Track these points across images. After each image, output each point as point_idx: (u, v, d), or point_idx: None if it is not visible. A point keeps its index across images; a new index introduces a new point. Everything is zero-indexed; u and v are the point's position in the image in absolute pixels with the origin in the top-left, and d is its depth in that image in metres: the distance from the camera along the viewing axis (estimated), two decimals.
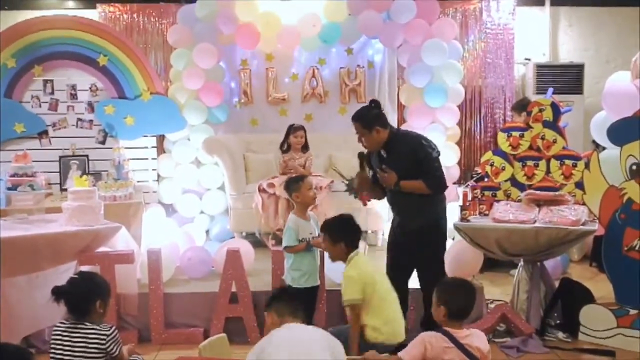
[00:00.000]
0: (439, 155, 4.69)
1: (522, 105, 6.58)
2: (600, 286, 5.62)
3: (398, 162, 4.58)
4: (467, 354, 3.35)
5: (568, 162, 5.45)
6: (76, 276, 3.70)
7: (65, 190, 6.03)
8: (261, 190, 6.65)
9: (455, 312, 3.46)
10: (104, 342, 3.44)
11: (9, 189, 5.90)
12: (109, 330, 3.49)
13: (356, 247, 4.30)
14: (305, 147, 7.00)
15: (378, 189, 4.87)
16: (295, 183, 4.84)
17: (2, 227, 4.92)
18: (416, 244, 4.64)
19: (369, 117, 4.63)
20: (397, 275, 4.71)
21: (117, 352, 3.50)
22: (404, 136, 4.77)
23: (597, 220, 5.05)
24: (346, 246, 4.26)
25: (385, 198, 4.94)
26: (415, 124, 7.49)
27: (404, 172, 4.55)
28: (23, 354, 2.91)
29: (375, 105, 4.72)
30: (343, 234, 4.29)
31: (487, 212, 5.34)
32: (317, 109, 8.00)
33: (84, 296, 3.53)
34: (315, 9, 7.42)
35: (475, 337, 3.46)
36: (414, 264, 4.74)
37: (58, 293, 3.53)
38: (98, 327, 3.48)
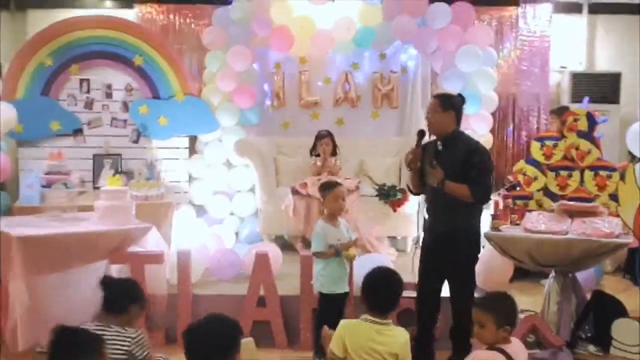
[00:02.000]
0: (492, 169, 4.67)
1: (562, 111, 6.50)
2: (634, 299, 5.52)
3: (452, 158, 4.48)
4: None
5: (602, 173, 5.38)
6: (128, 277, 3.81)
7: (99, 188, 6.09)
8: (294, 192, 6.64)
9: (515, 323, 3.44)
10: (128, 344, 3.46)
11: (43, 186, 5.98)
12: (134, 333, 3.52)
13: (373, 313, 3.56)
14: (334, 151, 7.00)
15: (419, 181, 4.74)
16: (324, 190, 4.84)
17: (35, 224, 4.98)
18: (445, 248, 4.54)
19: (451, 100, 4.62)
20: (427, 281, 4.69)
21: (142, 356, 3.51)
22: (466, 137, 4.70)
23: (631, 233, 4.96)
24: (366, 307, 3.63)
25: (424, 197, 4.82)
26: None
27: (453, 171, 4.45)
28: (95, 339, 2.91)
29: (461, 99, 4.68)
30: (366, 293, 3.64)
31: (518, 221, 5.28)
32: (348, 114, 7.99)
33: (129, 295, 3.63)
34: (350, 13, 7.42)
35: (519, 346, 3.41)
36: (444, 270, 4.64)
37: (106, 285, 3.62)
38: (123, 330, 3.50)
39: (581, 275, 5.75)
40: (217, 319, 2.97)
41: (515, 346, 3.37)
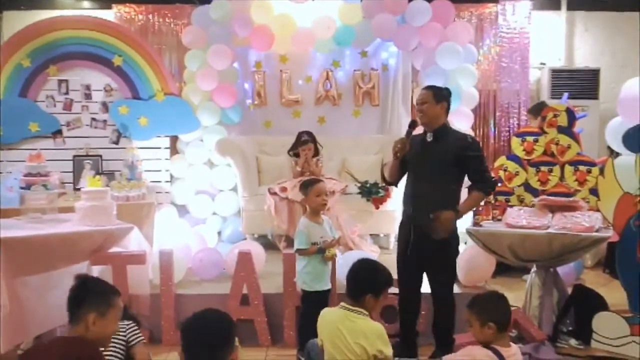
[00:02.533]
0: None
1: (538, 109, 6.53)
2: (614, 293, 5.56)
3: (443, 150, 4.46)
4: None
5: (582, 168, 5.42)
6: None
7: (79, 189, 6.05)
8: (272, 193, 6.64)
9: (505, 326, 3.44)
10: (124, 333, 3.55)
11: (22, 188, 5.91)
12: (126, 325, 3.62)
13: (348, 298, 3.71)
14: (315, 153, 7.01)
15: (399, 171, 4.73)
16: (304, 188, 4.84)
17: (15, 226, 4.93)
18: (426, 241, 4.46)
19: (443, 91, 4.61)
20: (407, 275, 4.66)
21: (138, 341, 3.61)
22: (456, 131, 4.72)
23: (611, 227, 5.00)
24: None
25: (404, 189, 4.73)
26: None
27: (444, 163, 4.44)
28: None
29: (449, 92, 4.67)
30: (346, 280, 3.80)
31: (500, 217, 5.31)
32: (330, 112, 8.01)
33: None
34: (329, 11, 7.43)
35: (519, 356, 3.43)
36: (424, 264, 4.59)
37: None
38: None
39: (562, 270, 5.80)
40: (215, 314, 3.00)
41: (514, 352, 3.42)
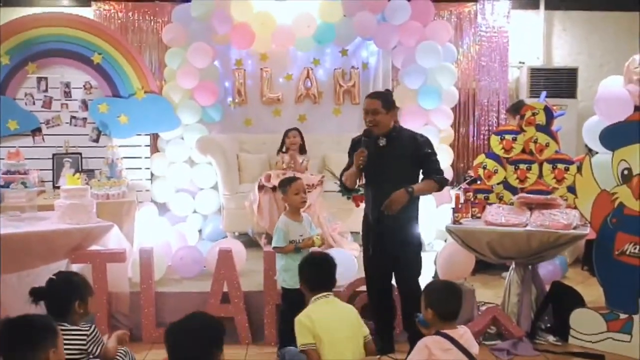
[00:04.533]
0: None
1: (516, 108, 6.59)
2: (591, 290, 5.63)
3: (399, 151, 4.54)
4: (466, 353, 3.41)
5: (560, 166, 5.46)
6: (54, 277, 3.61)
7: (58, 187, 6.02)
8: (260, 188, 6.60)
9: (444, 314, 3.54)
10: (84, 342, 3.43)
11: (1, 186, 5.89)
12: (88, 330, 3.47)
13: (318, 291, 3.93)
14: (302, 150, 6.99)
15: (358, 178, 4.75)
16: (283, 186, 4.84)
17: None
18: (393, 240, 4.55)
19: (390, 99, 4.66)
20: (376, 274, 4.73)
21: (97, 352, 3.49)
22: (406, 130, 4.78)
23: (589, 224, 5.06)
24: (308, 289, 4.00)
25: (364, 191, 4.86)
26: (408, 126, 7.39)
27: (401, 162, 4.52)
28: (46, 323, 2.87)
29: (391, 94, 4.80)
30: (305, 276, 4.05)
31: (479, 214, 5.35)
32: (311, 110, 8.02)
33: (62, 297, 3.50)
34: (310, 9, 7.44)
35: (467, 336, 3.53)
36: (392, 262, 4.65)
37: (36, 294, 3.49)
38: (79, 327, 3.45)
39: (547, 268, 5.87)
40: (200, 317, 2.97)
41: (462, 332, 3.54)
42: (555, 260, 6.13)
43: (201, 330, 2.85)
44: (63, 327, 3.30)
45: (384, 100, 4.59)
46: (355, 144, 4.71)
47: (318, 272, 3.97)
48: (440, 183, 4.58)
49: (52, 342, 2.80)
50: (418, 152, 4.55)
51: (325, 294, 3.88)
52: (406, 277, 4.64)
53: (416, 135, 4.67)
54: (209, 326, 2.90)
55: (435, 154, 4.63)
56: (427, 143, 4.63)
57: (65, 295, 3.51)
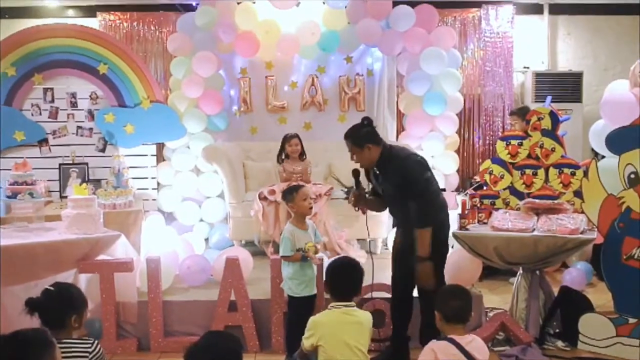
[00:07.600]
0: (425, 177, 4.47)
1: (524, 112, 6.58)
2: (600, 295, 5.62)
3: (389, 182, 4.54)
4: None
5: (567, 170, 5.45)
6: (51, 288, 3.42)
7: (65, 197, 6.04)
8: (262, 197, 6.64)
9: (450, 316, 3.54)
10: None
11: (8, 197, 5.88)
12: (91, 347, 3.22)
13: (340, 298, 3.86)
14: (302, 155, 7.00)
15: (377, 201, 4.80)
16: (289, 194, 4.81)
17: (1, 235, 4.92)
18: (415, 253, 4.50)
19: (360, 135, 4.49)
20: (398, 284, 4.75)
21: None
22: (395, 155, 4.54)
23: (596, 229, 5.05)
24: (331, 295, 3.97)
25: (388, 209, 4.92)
26: (414, 132, 7.53)
27: (395, 192, 4.50)
28: (41, 337, 2.69)
29: (367, 122, 4.56)
30: (330, 282, 3.97)
31: (485, 220, 5.34)
32: (316, 117, 8.03)
33: (58, 310, 3.31)
34: (314, 17, 7.46)
35: (476, 344, 3.51)
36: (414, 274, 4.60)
37: (32, 305, 3.31)
38: (81, 343, 3.23)
39: (572, 275, 5.89)
40: (217, 335, 2.93)
41: (470, 339, 3.52)
42: (578, 265, 6.19)
43: (222, 350, 2.80)
44: (64, 342, 3.14)
45: (354, 138, 4.50)
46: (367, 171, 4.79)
47: (342, 279, 3.91)
48: (423, 227, 4.38)
49: (50, 357, 2.71)
50: (402, 182, 4.41)
51: (344, 304, 3.81)
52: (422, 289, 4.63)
53: (399, 170, 4.44)
54: (229, 346, 2.84)
55: (417, 183, 4.39)
56: (407, 171, 4.41)
57: (62, 308, 3.33)
